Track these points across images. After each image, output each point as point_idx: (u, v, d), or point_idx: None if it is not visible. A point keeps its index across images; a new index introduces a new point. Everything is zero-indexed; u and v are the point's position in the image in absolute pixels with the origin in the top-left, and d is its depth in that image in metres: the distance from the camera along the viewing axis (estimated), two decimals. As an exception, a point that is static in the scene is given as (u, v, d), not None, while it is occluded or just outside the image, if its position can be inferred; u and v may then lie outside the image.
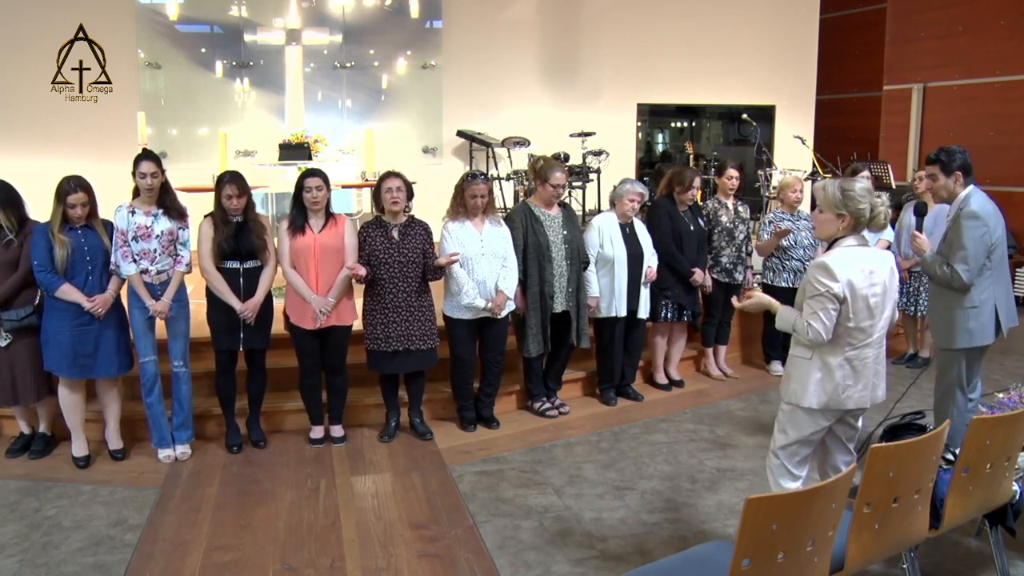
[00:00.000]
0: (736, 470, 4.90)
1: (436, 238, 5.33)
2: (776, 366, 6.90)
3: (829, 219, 3.43)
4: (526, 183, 5.91)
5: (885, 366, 3.57)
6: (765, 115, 11.32)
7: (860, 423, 3.68)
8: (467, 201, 5.30)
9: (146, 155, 4.97)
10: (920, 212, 4.98)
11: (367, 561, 3.89)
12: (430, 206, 5.60)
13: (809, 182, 9.27)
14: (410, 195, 5.21)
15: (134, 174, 4.83)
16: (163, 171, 4.89)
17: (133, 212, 4.83)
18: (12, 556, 3.92)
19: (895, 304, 3.56)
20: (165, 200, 4.91)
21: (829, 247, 3.47)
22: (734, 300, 4.11)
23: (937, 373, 4.70)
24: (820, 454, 3.71)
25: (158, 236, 4.84)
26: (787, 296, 6.63)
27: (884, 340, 3.50)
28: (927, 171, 4.58)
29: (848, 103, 12.84)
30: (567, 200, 6.39)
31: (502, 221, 5.49)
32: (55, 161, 5.21)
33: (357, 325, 5.26)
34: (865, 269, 3.35)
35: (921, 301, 6.87)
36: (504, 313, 5.40)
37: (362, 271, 5.00)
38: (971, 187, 4.45)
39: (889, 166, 10.00)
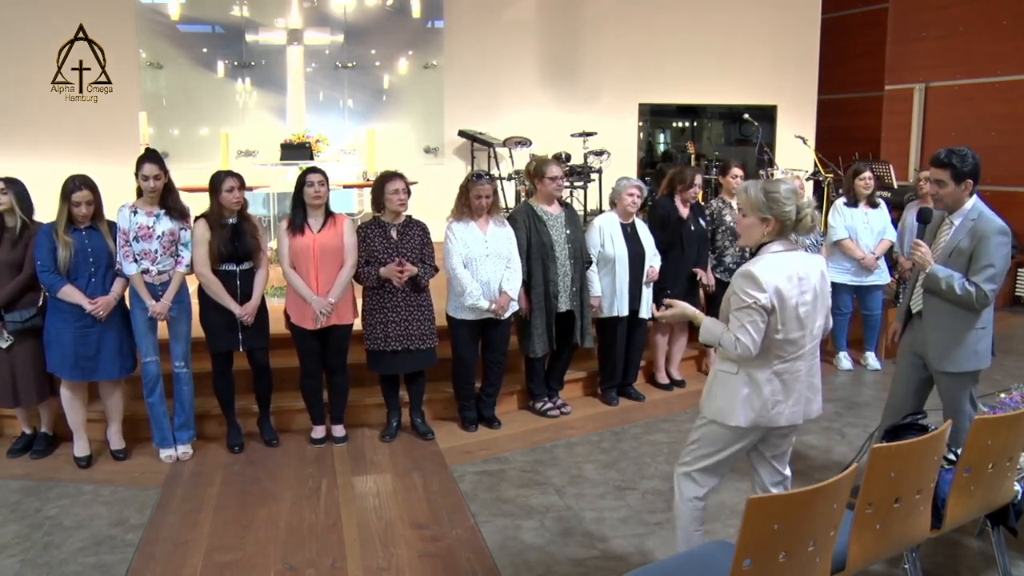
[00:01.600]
0: (737, 470, 4.87)
1: (437, 238, 5.32)
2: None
3: (753, 223, 3.17)
4: (527, 183, 5.91)
5: (820, 378, 3.33)
6: (766, 115, 11.33)
7: (790, 441, 3.41)
8: (472, 201, 5.29)
9: (149, 156, 4.97)
10: (925, 219, 4.19)
11: (368, 561, 3.89)
12: (432, 206, 5.61)
13: (810, 182, 9.29)
14: (408, 194, 5.21)
15: (137, 175, 4.83)
16: (166, 172, 4.89)
17: (135, 212, 4.83)
18: (13, 556, 3.92)
19: (828, 311, 3.31)
20: (168, 200, 4.91)
21: (754, 254, 3.23)
22: (652, 309, 3.75)
23: (946, 401, 4.19)
24: (751, 473, 3.49)
25: (159, 236, 4.84)
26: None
27: (817, 351, 3.27)
28: (934, 175, 4.01)
29: (850, 103, 12.83)
30: (569, 200, 6.38)
31: (506, 222, 5.49)
32: (56, 162, 5.21)
33: (358, 324, 5.26)
34: (794, 276, 3.11)
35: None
36: (507, 314, 5.39)
37: (412, 270, 5.06)
38: (975, 197, 4.03)
39: (891, 166, 9.99)
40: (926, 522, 3.11)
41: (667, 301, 3.55)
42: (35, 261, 4.72)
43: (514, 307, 5.45)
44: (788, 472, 3.44)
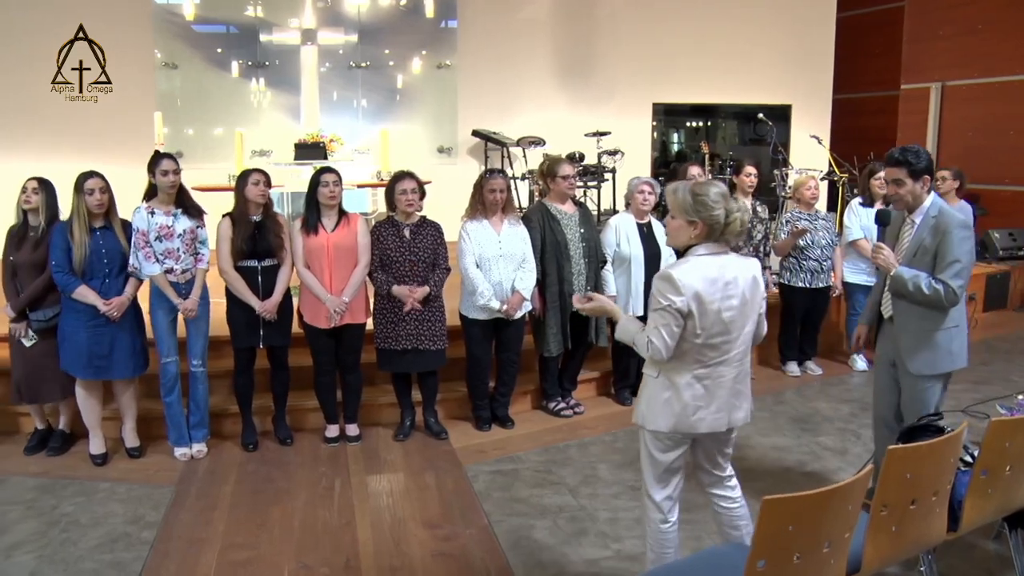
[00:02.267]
0: (752, 471, 4.88)
1: (451, 237, 5.33)
2: (792, 367, 6.87)
3: (681, 226, 3.11)
4: (540, 183, 5.91)
5: (749, 385, 3.27)
6: (781, 115, 11.27)
7: (727, 444, 3.35)
8: (486, 196, 5.29)
9: (166, 154, 5.02)
10: (884, 222, 4.08)
11: (382, 560, 3.89)
12: (445, 206, 5.61)
13: (825, 182, 9.24)
14: (422, 195, 5.21)
15: (153, 172, 4.85)
16: (179, 170, 4.93)
17: (152, 212, 4.86)
18: (31, 553, 3.95)
19: (760, 318, 3.25)
20: (182, 199, 4.94)
21: (680, 256, 3.19)
22: (574, 299, 3.68)
23: (913, 404, 3.98)
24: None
25: (180, 235, 4.87)
26: (805, 297, 6.69)
27: (746, 357, 3.22)
28: (890, 175, 3.93)
29: (865, 102, 12.77)
30: (583, 199, 6.37)
31: (520, 221, 5.48)
32: (73, 163, 5.24)
33: (371, 324, 5.27)
34: (719, 280, 3.05)
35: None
36: (520, 314, 5.39)
37: (423, 293, 5.09)
38: (934, 194, 3.95)
39: (907, 166, 9.92)
40: (942, 524, 3.09)
41: (588, 294, 3.57)
42: (50, 261, 4.75)
43: (527, 307, 5.44)
44: (726, 472, 3.39)
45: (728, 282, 3.08)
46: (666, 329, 3.05)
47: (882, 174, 6.70)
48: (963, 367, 4.03)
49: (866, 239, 6.70)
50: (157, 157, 4.93)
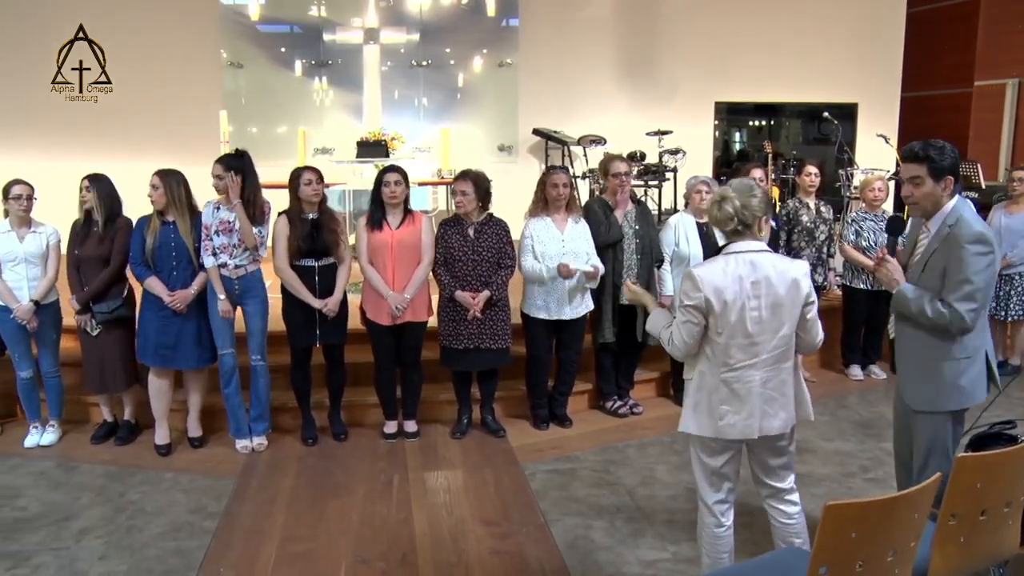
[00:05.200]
0: (813, 475, 4.79)
1: (513, 236, 5.32)
2: (855, 370, 6.73)
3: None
4: (600, 182, 5.89)
5: (791, 392, 3.12)
6: (847, 113, 11.03)
7: (782, 453, 3.22)
8: (549, 191, 5.28)
9: (220, 158, 5.17)
10: (894, 231, 3.53)
11: (438, 556, 3.91)
12: (505, 204, 5.60)
13: (892, 182, 9.02)
14: (487, 195, 5.21)
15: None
16: (239, 171, 4.92)
17: (218, 208, 4.96)
18: (100, 538, 4.08)
19: (807, 322, 3.08)
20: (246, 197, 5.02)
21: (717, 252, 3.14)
22: (626, 283, 3.68)
23: (922, 445, 3.49)
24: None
25: (238, 231, 4.95)
26: (867, 299, 6.53)
27: (783, 362, 3.08)
28: (908, 172, 3.36)
29: (936, 100, 12.40)
30: (643, 198, 6.33)
31: (583, 219, 5.44)
32: (144, 162, 5.43)
33: (432, 322, 5.30)
34: (747, 279, 2.98)
35: (1012, 305, 6.62)
36: (581, 313, 5.35)
37: (484, 298, 5.09)
38: (958, 197, 3.37)
39: (979, 165, 9.62)
40: (1015, 537, 2.98)
41: (630, 284, 3.62)
42: (129, 252, 4.95)
43: (588, 307, 5.40)
44: (783, 484, 3.26)
45: (757, 281, 3.00)
46: (685, 327, 3.07)
47: None
48: (978, 402, 3.46)
49: (847, 244, 6.47)
50: (215, 161, 5.04)
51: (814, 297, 3.12)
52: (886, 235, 3.57)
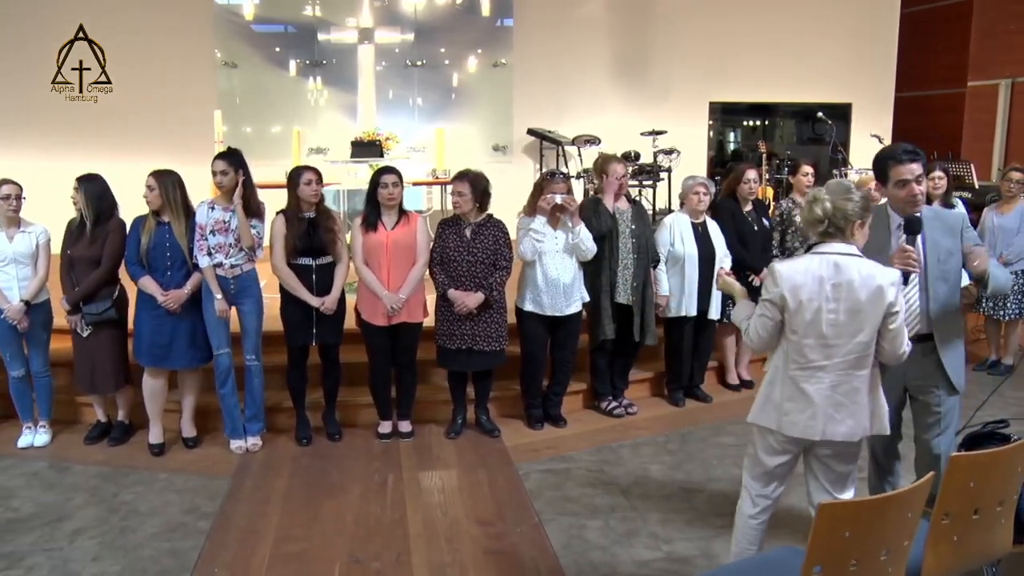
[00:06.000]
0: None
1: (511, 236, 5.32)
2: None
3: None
4: (596, 182, 5.88)
5: (866, 401, 3.05)
6: (841, 113, 11.06)
7: (842, 462, 3.15)
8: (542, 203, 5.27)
9: (220, 154, 5.12)
10: (914, 230, 3.39)
11: (433, 556, 3.91)
12: (500, 204, 5.60)
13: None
14: (486, 195, 5.20)
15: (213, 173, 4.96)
16: (238, 169, 4.94)
17: (213, 207, 4.95)
18: (93, 538, 4.06)
19: (891, 332, 3.00)
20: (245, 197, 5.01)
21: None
22: (719, 271, 3.70)
23: (950, 423, 3.64)
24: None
25: (233, 230, 4.94)
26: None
27: (858, 370, 3.02)
28: (912, 172, 3.44)
29: (930, 100, 12.46)
30: (637, 198, 6.34)
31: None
32: (136, 162, 5.43)
33: (428, 322, 5.30)
34: (828, 280, 2.95)
35: (1008, 305, 6.64)
36: (573, 311, 5.36)
37: (478, 300, 5.08)
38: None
39: (972, 165, 9.67)
40: (1008, 536, 2.99)
41: (724, 273, 3.57)
42: (120, 254, 4.95)
43: (582, 299, 5.41)
44: (841, 495, 3.19)
45: (839, 284, 2.97)
46: (761, 320, 3.09)
47: (937, 173, 6.44)
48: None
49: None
50: (214, 158, 5.01)
51: (899, 307, 3.02)
52: (905, 235, 3.42)
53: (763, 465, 3.20)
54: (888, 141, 9.94)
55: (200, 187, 5.08)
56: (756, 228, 6.11)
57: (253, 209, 5.00)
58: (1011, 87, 10.81)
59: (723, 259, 5.83)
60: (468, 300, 5.07)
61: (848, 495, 3.20)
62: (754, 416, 3.18)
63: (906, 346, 3.06)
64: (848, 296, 2.96)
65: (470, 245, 5.14)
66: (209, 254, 4.92)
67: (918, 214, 3.43)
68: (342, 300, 5.14)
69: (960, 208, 6.59)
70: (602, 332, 5.57)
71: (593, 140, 10.01)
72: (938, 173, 6.38)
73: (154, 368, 5.05)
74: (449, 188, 6.35)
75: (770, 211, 6.70)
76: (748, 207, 6.14)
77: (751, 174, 6.13)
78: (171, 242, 4.91)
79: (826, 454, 3.14)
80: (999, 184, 7.07)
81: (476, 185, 5.15)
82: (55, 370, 5.34)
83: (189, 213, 4.97)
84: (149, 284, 4.90)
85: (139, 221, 4.96)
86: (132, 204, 5.16)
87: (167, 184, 4.89)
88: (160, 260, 4.91)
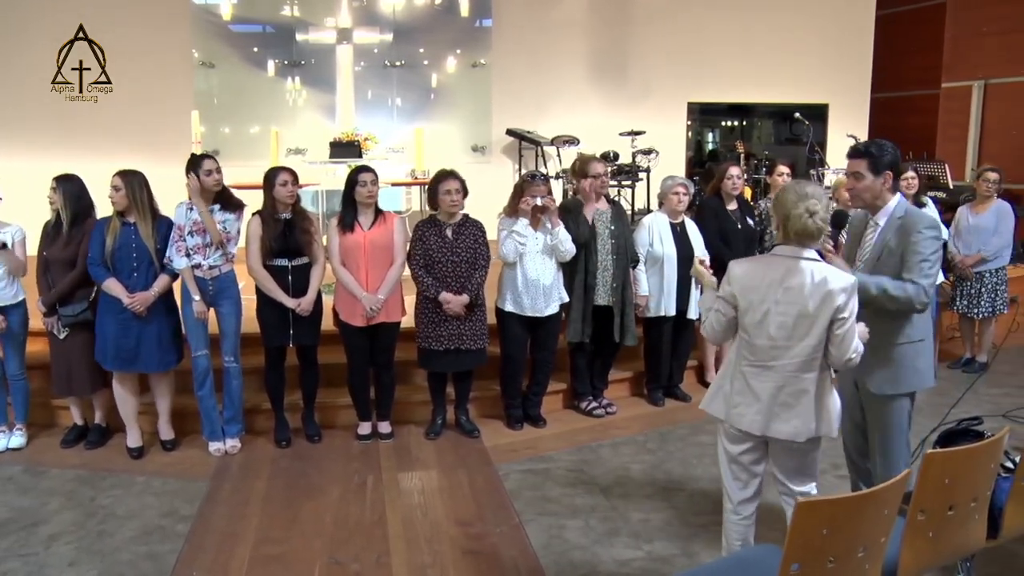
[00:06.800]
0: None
1: (489, 236, 5.32)
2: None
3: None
4: (574, 182, 5.89)
5: (812, 403, 3.07)
6: (817, 114, 11.14)
7: (798, 455, 3.19)
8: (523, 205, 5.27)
9: (207, 154, 5.09)
10: (838, 223, 3.61)
11: (413, 557, 3.90)
12: (479, 205, 5.60)
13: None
14: (464, 194, 5.21)
15: (197, 173, 4.89)
16: (220, 169, 4.97)
17: (191, 208, 4.92)
18: (69, 543, 4.02)
19: (838, 338, 3.01)
20: (222, 196, 4.99)
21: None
22: (696, 260, 3.81)
23: (882, 429, 3.67)
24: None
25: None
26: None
27: (805, 373, 3.05)
28: (850, 167, 3.63)
29: (905, 101, 12.56)
30: (616, 199, 6.36)
31: (560, 222, 5.44)
32: (112, 161, 5.36)
33: (406, 322, 5.29)
34: (778, 283, 3.00)
35: (982, 303, 6.71)
36: (552, 312, 5.36)
37: (463, 301, 5.08)
38: (899, 195, 3.64)
39: (946, 165, 9.76)
40: (982, 531, 3.03)
41: (700, 262, 3.71)
42: (88, 253, 4.86)
43: (563, 299, 5.41)
44: (799, 488, 3.23)
45: (789, 288, 3.01)
46: (715, 315, 3.21)
47: (910, 173, 6.50)
48: (930, 387, 3.72)
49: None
50: (201, 157, 4.99)
51: (847, 313, 3.01)
52: (832, 228, 3.50)
53: (728, 453, 3.28)
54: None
55: (177, 189, 5.03)
56: (740, 226, 6.13)
57: (235, 203, 5.01)
58: (984, 88, 10.93)
59: (702, 256, 5.86)
60: (459, 302, 5.07)
61: (807, 488, 3.26)
62: (705, 403, 3.31)
63: (853, 352, 3.06)
64: (798, 300, 3.01)
65: (453, 246, 5.14)
66: (187, 255, 4.88)
67: (844, 210, 3.77)
68: (319, 301, 5.12)
69: (931, 207, 6.66)
70: (575, 335, 5.57)
71: (572, 140, 10.02)
72: (910, 173, 6.43)
73: (121, 373, 5.00)
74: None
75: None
76: (733, 205, 6.17)
77: (734, 171, 6.18)
78: (137, 243, 4.86)
79: (779, 448, 3.21)
80: (974, 184, 7.16)
81: (462, 183, 5.17)
82: (31, 372, 5.28)
83: (155, 214, 4.93)
84: (114, 286, 4.83)
85: (103, 222, 4.89)
86: (108, 205, 5.12)
87: (134, 184, 4.85)
88: (126, 261, 4.85)
